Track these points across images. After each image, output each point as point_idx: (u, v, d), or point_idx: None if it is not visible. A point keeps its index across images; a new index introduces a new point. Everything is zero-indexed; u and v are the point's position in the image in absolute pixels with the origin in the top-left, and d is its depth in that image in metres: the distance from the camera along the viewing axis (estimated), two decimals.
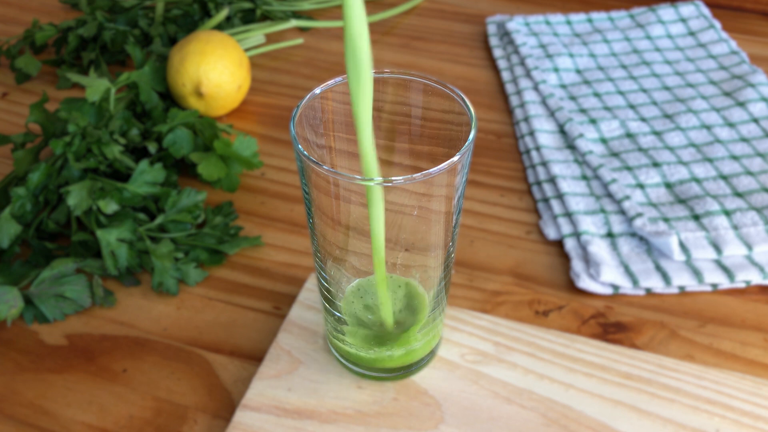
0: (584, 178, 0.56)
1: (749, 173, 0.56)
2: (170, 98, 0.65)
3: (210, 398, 0.43)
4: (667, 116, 0.62)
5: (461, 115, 0.35)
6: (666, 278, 0.48)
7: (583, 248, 0.51)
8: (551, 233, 0.53)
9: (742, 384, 0.41)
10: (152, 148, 0.56)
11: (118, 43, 0.72)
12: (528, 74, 0.68)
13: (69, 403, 0.43)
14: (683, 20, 0.75)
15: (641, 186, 0.55)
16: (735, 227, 0.51)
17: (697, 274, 0.48)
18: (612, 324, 0.47)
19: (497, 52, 0.73)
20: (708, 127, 0.61)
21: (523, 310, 0.48)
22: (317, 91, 0.36)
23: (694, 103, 0.63)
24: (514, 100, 0.66)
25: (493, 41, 0.75)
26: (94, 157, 0.53)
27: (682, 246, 0.50)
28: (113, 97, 0.59)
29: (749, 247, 0.49)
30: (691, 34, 0.74)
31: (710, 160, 0.57)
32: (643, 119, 0.62)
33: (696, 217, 0.52)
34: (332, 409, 0.40)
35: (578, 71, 0.69)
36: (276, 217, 0.56)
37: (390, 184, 0.32)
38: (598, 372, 0.42)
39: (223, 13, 0.73)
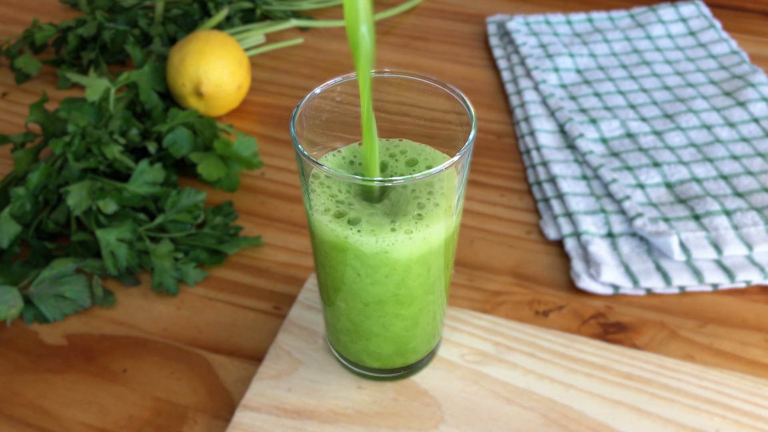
0: (584, 178, 0.56)
1: (749, 173, 0.56)
2: (170, 98, 0.65)
3: (210, 398, 0.43)
4: (668, 116, 0.62)
5: (461, 115, 0.35)
6: (666, 278, 0.48)
7: (584, 248, 0.51)
8: (551, 233, 0.53)
9: (743, 384, 0.41)
10: (152, 148, 0.56)
11: (118, 43, 0.72)
12: (528, 74, 0.68)
13: (69, 403, 0.43)
14: (683, 20, 0.75)
15: (641, 186, 0.55)
16: (735, 227, 0.51)
17: (697, 274, 0.48)
18: (612, 324, 0.47)
19: (497, 52, 0.73)
20: (708, 127, 0.61)
21: (523, 310, 0.48)
22: (317, 91, 0.36)
23: (695, 102, 0.63)
24: (514, 100, 0.66)
25: (493, 41, 0.75)
26: (94, 157, 0.53)
27: (683, 246, 0.50)
28: (113, 97, 0.59)
29: (749, 247, 0.49)
30: (692, 33, 0.74)
31: (710, 160, 0.57)
32: (644, 119, 0.62)
33: (696, 217, 0.52)
34: (332, 409, 0.40)
35: (578, 71, 0.69)
36: (276, 217, 0.56)
37: (390, 184, 0.32)
38: (598, 372, 0.42)
39: (223, 13, 0.73)
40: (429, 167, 0.35)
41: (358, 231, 0.33)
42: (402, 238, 0.33)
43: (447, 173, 0.33)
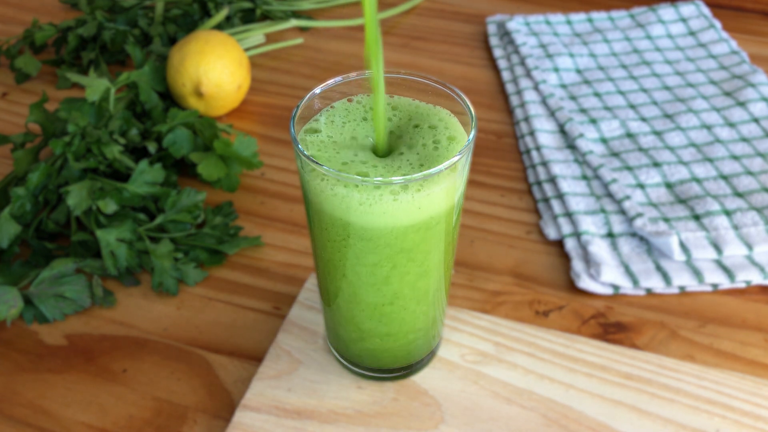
0: (584, 178, 0.56)
1: (749, 173, 0.56)
2: (170, 98, 0.65)
3: (210, 398, 0.43)
4: (668, 116, 0.62)
5: (461, 115, 0.35)
6: (666, 278, 0.48)
7: (584, 248, 0.51)
8: (551, 233, 0.53)
9: (743, 384, 0.41)
10: (152, 148, 0.56)
11: (118, 43, 0.72)
12: (528, 74, 0.68)
13: (69, 403, 0.43)
14: (683, 20, 0.75)
15: (641, 186, 0.55)
16: (735, 227, 0.51)
17: (697, 274, 0.48)
18: (612, 324, 0.47)
19: (497, 52, 0.73)
20: (708, 127, 0.61)
21: (523, 310, 0.48)
22: (317, 91, 0.36)
23: (695, 102, 0.63)
24: (514, 100, 0.66)
25: (493, 41, 0.75)
26: (94, 157, 0.53)
27: (683, 246, 0.50)
28: (113, 97, 0.59)
29: (749, 247, 0.49)
30: (692, 33, 0.74)
31: (710, 160, 0.57)
32: (644, 119, 0.62)
33: (696, 217, 0.52)
34: (332, 409, 0.40)
35: (578, 71, 0.69)
36: (276, 217, 0.56)
37: (390, 185, 0.32)
38: (598, 372, 0.42)
39: (223, 13, 0.73)
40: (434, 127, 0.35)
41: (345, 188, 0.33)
42: (387, 197, 0.32)
43: (448, 173, 0.33)
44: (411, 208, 0.33)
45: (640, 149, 0.59)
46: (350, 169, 0.33)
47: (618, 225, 0.52)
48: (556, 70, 0.68)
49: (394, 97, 0.37)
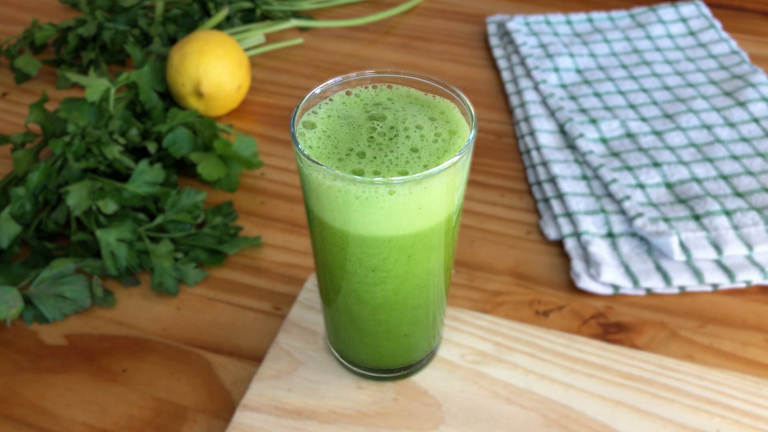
0: (584, 178, 0.56)
1: (750, 173, 0.56)
2: (170, 98, 0.65)
3: (210, 398, 0.43)
4: (668, 116, 0.62)
5: (461, 115, 0.35)
6: (666, 278, 0.48)
7: (584, 248, 0.51)
8: (551, 233, 0.53)
9: (743, 384, 0.41)
10: (152, 148, 0.56)
11: (118, 43, 0.72)
12: (528, 74, 0.68)
13: (69, 403, 0.43)
14: (683, 20, 0.75)
15: (641, 186, 0.55)
16: (735, 227, 0.51)
17: (697, 274, 0.48)
18: (612, 324, 0.47)
19: (497, 52, 0.73)
20: (708, 127, 0.61)
21: (523, 310, 0.48)
22: (317, 90, 0.36)
23: (695, 102, 0.63)
24: (514, 100, 0.66)
25: (493, 41, 0.75)
26: (94, 157, 0.53)
27: (683, 246, 0.50)
28: (113, 97, 0.59)
29: (750, 247, 0.49)
30: (692, 33, 0.74)
31: (711, 160, 0.57)
32: (644, 119, 0.62)
33: (696, 217, 0.52)
34: (332, 409, 0.40)
35: (578, 71, 0.69)
36: (276, 217, 0.56)
37: (390, 186, 0.32)
38: (598, 372, 0.42)
39: (223, 13, 0.73)
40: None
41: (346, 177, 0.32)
42: (383, 189, 0.32)
43: (448, 173, 0.33)
44: (410, 208, 0.33)
45: (640, 149, 0.59)
46: (346, 165, 0.33)
47: (618, 225, 0.52)
48: (556, 70, 0.68)
49: (393, 87, 0.37)
